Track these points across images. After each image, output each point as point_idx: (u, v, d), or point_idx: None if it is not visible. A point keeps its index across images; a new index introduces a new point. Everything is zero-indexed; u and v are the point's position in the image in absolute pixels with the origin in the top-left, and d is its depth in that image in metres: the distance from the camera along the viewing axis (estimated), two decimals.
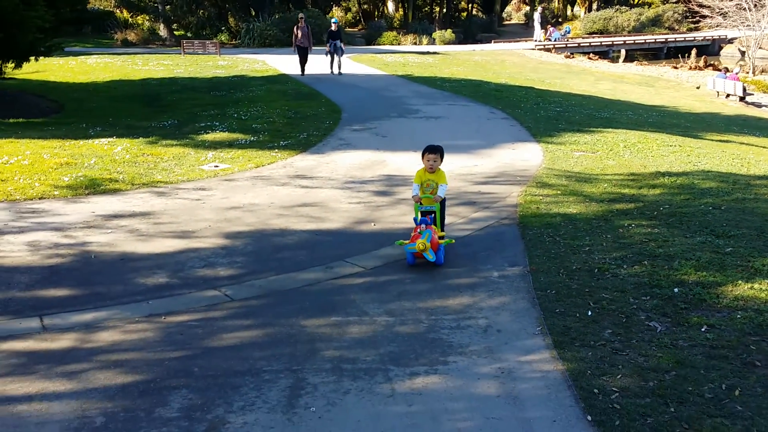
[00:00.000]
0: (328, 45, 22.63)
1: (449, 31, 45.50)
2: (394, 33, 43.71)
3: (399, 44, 41.52)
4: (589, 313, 4.76)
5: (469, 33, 49.69)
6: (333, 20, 24.58)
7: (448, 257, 6.02)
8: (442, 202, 6.32)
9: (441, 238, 6.02)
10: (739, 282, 5.18)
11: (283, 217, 7.27)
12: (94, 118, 14.19)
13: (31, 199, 7.72)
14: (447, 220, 6.77)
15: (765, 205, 7.53)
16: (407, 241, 5.92)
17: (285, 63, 26.22)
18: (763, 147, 13.76)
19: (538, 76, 27.58)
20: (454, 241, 6.30)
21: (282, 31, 37.88)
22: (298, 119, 13.79)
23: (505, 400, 3.71)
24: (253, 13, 42.78)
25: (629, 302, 4.92)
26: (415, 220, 6.09)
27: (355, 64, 26.58)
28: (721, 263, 5.58)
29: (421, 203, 6.21)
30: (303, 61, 22.29)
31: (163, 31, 41.08)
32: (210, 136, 11.81)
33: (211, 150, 10.65)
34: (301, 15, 24.29)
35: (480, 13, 60.35)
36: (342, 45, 22.78)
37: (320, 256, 6.13)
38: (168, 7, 40.99)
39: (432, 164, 6.21)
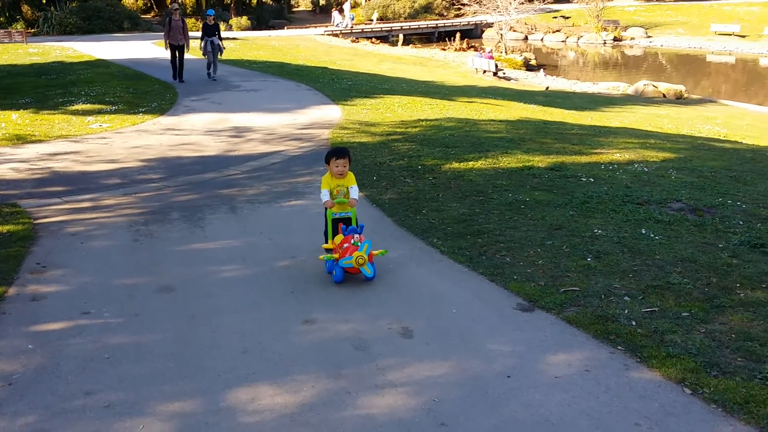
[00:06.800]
0: (202, 43, 19.26)
1: (245, 17, 48.70)
2: (192, 19, 46.07)
3: (198, 30, 43.97)
4: (375, 178, 8.88)
5: (261, 19, 53.22)
6: (209, 12, 20.97)
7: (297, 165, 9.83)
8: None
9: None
10: (454, 163, 9.58)
11: (173, 150, 10.72)
12: None
13: None
14: (284, 147, 10.59)
15: (482, 133, 12.21)
16: (334, 255, 5.29)
17: (95, 49, 28.33)
18: (497, 105, 18.96)
19: (330, 58, 31.95)
20: (387, 251, 5.71)
21: (82, 19, 39.05)
22: (141, 94, 16.82)
23: None
24: (44, 1, 43.15)
25: (395, 174, 9.11)
26: (325, 234, 5.72)
27: (160, 48, 29.12)
28: (447, 157, 9.98)
29: (332, 209, 5.67)
30: (175, 61, 19.11)
31: None
32: (78, 107, 14.61)
33: (87, 116, 13.57)
34: (175, 7, 20.71)
35: (270, 0, 63.85)
36: (221, 43, 19.47)
37: (210, 167, 9.72)
38: None
39: (342, 170, 5.69)
